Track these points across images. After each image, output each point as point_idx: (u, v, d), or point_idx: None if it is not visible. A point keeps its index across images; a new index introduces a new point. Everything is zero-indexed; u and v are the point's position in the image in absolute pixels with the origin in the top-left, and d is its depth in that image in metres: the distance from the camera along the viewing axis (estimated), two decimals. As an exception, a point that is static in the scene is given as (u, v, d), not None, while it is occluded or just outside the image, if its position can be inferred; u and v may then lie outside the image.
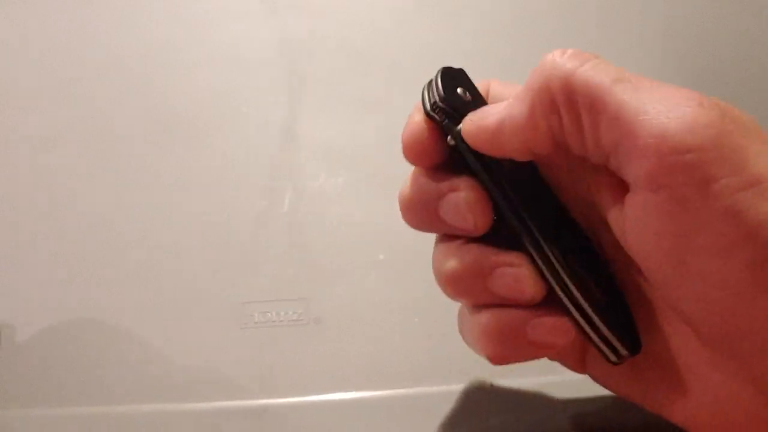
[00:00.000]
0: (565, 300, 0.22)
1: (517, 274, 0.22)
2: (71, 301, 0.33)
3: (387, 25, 0.45)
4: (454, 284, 0.24)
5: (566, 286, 0.22)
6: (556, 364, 0.28)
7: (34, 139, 0.40)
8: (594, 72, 0.19)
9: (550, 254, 0.22)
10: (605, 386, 0.25)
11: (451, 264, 0.23)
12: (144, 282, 0.34)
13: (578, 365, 0.25)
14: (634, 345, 0.22)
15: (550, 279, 0.22)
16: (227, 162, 0.38)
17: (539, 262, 0.22)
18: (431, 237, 0.35)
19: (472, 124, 0.22)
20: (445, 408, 0.29)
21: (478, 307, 0.23)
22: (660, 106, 0.18)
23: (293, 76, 0.42)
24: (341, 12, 0.45)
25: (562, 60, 0.20)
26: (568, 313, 0.22)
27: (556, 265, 0.22)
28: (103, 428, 0.29)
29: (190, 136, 0.39)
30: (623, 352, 0.22)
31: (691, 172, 0.17)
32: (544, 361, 0.28)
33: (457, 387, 0.30)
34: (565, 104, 0.20)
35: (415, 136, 0.23)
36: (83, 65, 0.43)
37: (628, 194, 0.20)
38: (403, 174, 0.37)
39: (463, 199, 0.23)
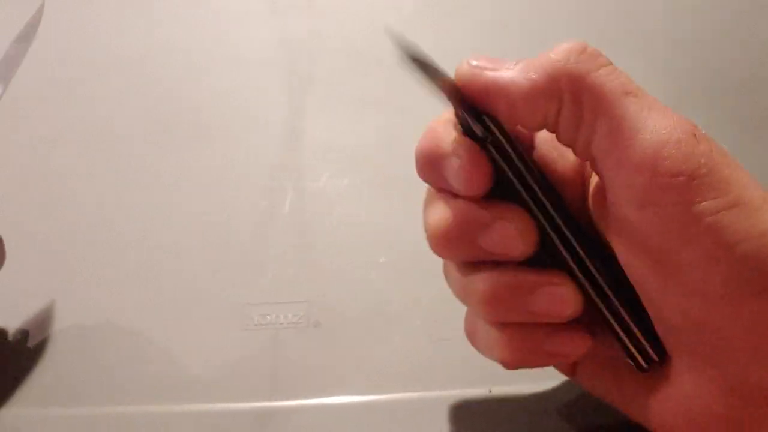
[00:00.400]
0: (607, 313, 0.22)
1: (562, 293, 0.22)
2: (70, 302, 0.33)
3: (388, 24, 0.45)
4: (492, 305, 0.23)
5: (610, 300, 0.22)
6: (554, 370, 0.29)
7: (35, 139, 0.40)
8: (607, 79, 0.20)
9: (593, 270, 0.22)
10: (591, 392, 0.26)
11: (488, 286, 0.23)
12: (144, 282, 0.34)
13: (569, 369, 0.26)
14: (662, 353, 0.22)
15: (593, 294, 0.22)
16: (228, 162, 0.38)
17: (582, 278, 0.22)
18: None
19: (469, 69, 0.22)
20: (445, 413, 0.29)
21: (512, 322, 0.23)
22: (660, 128, 0.19)
23: (294, 76, 0.42)
24: (342, 12, 0.45)
25: (579, 57, 0.21)
26: (607, 324, 0.23)
27: (600, 280, 0.22)
28: (102, 428, 0.29)
29: (191, 137, 0.39)
30: (655, 358, 0.22)
31: (681, 192, 0.19)
32: (542, 368, 0.28)
33: (456, 392, 0.30)
34: (570, 99, 0.21)
35: (472, 166, 0.22)
36: (84, 66, 0.43)
37: (611, 203, 0.21)
38: (404, 175, 0.37)
39: (513, 228, 0.22)
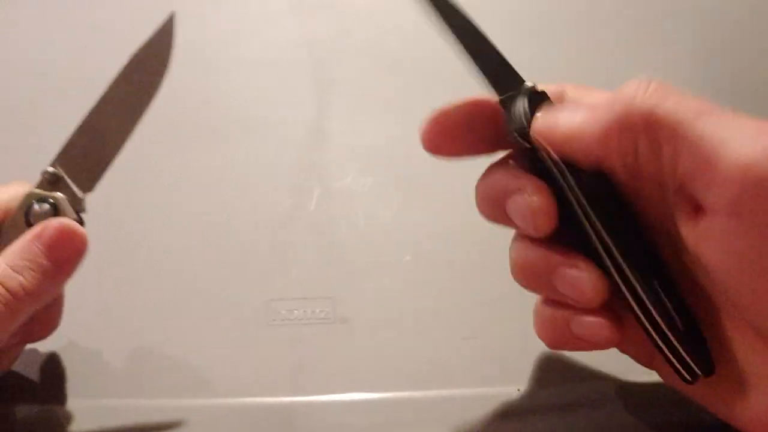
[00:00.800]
0: (644, 321, 0.23)
1: (577, 277, 0.23)
2: (101, 301, 0.33)
3: (416, 25, 0.45)
4: (520, 277, 0.26)
5: (647, 309, 0.22)
6: (580, 371, 0.29)
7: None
8: (677, 108, 0.21)
9: (631, 277, 0.22)
10: (671, 385, 0.26)
11: (516, 257, 0.26)
12: (171, 278, 0.34)
13: (647, 361, 0.26)
14: (708, 366, 0.23)
15: (631, 300, 0.23)
16: (255, 161, 0.38)
17: (620, 282, 0.23)
18: (458, 240, 0.35)
19: (543, 126, 0.23)
20: (471, 411, 0.29)
21: (548, 300, 0.25)
22: (740, 138, 0.20)
23: (321, 75, 0.42)
24: (370, 12, 0.45)
25: (645, 93, 0.21)
26: (646, 333, 0.23)
27: (638, 288, 0.22)
28: (128, 419, 0.29)
29: (218, 136, 0.39)
30: (698, 372, 0.23)
31: None
32: (570, 368, 0.29)
33: (484, 390, 0.30)
34: (645, 135, 0.21)
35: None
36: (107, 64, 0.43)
37: (705, 216, 0.21)
38: (428, 174, 0.37)
39: (527, 202, 0.24)
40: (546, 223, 0.23)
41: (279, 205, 0.36)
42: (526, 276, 0.25)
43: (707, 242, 0.21)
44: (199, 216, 0.36)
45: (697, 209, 0.21)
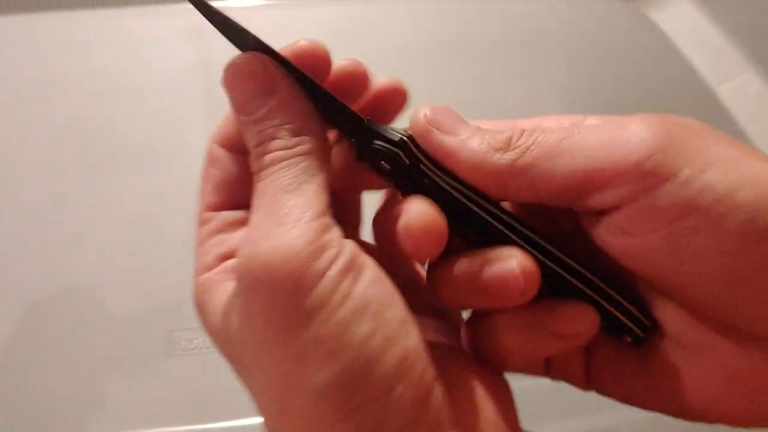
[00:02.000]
0: (578, 283, 0.21)
1: (506, 266, 0.20)
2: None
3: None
4: (452, 297, 0.22)
5: (577, 270, 0.21)
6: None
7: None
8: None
9: (557, 252, 0.21)
10: (614, 397, 0.23)
11: (441, 276, 0.22)
12: (70, 312, 0.34)
13: (582, 379, 0.24)
14: (652, 319, 0.21)
15: (557, 267, 0.21)
16: (153, 188, 0.38)
17: (547, 260, 0.21)
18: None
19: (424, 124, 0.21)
20: None
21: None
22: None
23: (214, 101, 0.42)
24: (272, 36, 0.45)
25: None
26: (584, 296, 0.21)
27: (569, 260, 0.21)
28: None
29: (114, 164, 0.39)
30: (647, 323, 0.21)
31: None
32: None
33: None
34: None
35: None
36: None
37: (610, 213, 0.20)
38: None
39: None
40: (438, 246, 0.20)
41: (177, 234, 0.36)
42: (458, 292, 0.21)
43: (622, 235, 0.20)
44: (99, 245, 0.36)
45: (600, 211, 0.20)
